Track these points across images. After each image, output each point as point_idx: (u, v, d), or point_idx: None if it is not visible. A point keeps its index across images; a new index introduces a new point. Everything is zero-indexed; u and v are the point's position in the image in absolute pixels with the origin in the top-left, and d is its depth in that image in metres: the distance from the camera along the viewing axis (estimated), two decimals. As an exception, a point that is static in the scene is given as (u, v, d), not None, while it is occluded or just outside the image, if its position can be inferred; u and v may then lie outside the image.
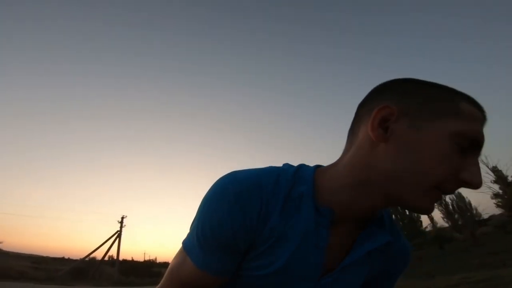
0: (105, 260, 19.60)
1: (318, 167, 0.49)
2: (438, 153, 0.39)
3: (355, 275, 0.50)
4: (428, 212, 0.42)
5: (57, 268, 17.09)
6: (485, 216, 31.26)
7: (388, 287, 0.58)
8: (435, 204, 0.43)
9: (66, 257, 32.97)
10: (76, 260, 21.09)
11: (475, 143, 0.40)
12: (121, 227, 19.42)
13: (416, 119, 0.40)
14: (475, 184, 0.39)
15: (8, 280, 9.56)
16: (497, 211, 26.59)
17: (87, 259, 18.11)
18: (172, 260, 0.50)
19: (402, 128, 0.41)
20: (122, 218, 19.72)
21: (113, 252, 20.04)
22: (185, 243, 0.47)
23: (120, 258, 20.49)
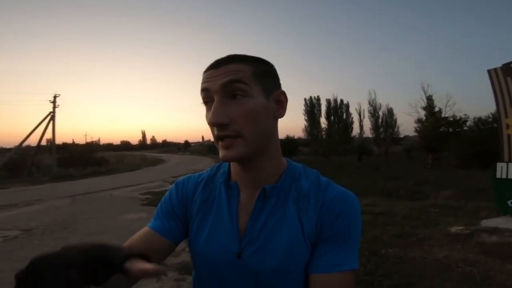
0: (42, 146, 18.99)
1: None
2: (206, 119, 0.53)
3: (278, 233, 0.53)
4: (224, 158, 0.52)
5: None
6: (401, 136, 34.08)
7: (338, 253, 0.51)
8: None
9: (0, 146, 31.34)
10: (10, 149, 20.09)
11: (203, 92, 0.52)
12: (54, 107, 18.15)
13: None
14: (209, 123, 0.50)
15: None
16: (413, 134, 28.19)
17: (22, 146, 17.33)
18: None
19: None
20: (55, 97, 18.26)
21: (50, 136, 19.21)
22: None
23: (60, 141, 19.92)
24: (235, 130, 0.50)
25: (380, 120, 33.61)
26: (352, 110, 37.48)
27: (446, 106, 25.60)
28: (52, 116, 18.03)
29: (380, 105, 34.22)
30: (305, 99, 37.19)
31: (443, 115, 25.35)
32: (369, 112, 34.49)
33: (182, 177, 0.66)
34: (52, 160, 17.60)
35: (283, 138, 33.11)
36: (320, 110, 36.71)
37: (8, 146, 29.26)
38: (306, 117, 36.64)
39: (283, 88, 0.58)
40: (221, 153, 0.52)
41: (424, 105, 26.82)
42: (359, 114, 36.05)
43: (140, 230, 0.61)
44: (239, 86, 0.50)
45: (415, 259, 3.09)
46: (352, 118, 36.44)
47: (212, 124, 0.50)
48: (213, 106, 0.50)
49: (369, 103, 34.40)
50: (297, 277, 0.53)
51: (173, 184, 0.65)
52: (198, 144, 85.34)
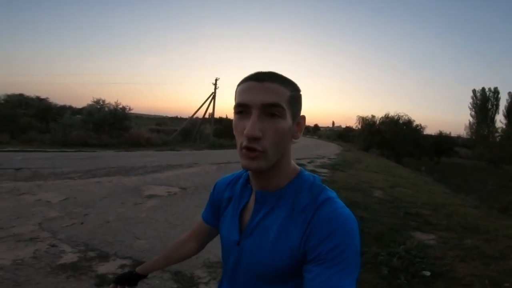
0: (205, 118, 23.51)
1: None
2: (234, 126, 0.58)
3: (267, 234, 0.60)
4: (246, 167, 0.56)
5: (172, 129, 22.27)
6: None
7: (327, 277, 0.50)
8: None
9: (179, 116, 42.16)
10: (185, 118, 26.59)
11: (241, 106, 0.55)
12: (215, 88, 22.02)
13: None
14: (246, 135, 0.53)
15: (139, 148, 13.54)
16: None
17: (193, 117, 22.43)
18: None
19: None
20: (216, 80, 22.11)
21: (211, 111, 23.63)
22: None
23: (218, 116, 24.49)
24: (262, 146, 0.54)
25: None
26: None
27: None
28: (213, 96, 22.23)
29: None
30: (474, 91, 30.35)
31: None
32: None
33: (220, 178, 0.79)
34: (210, 131, 21.95)
35: (434, 134, 28.00)
36: (496, 105, 28.85)
37: (183, 116, 38.32)
38: (472, 112, 29.91)
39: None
40: (244, 161, 0.56)
41: None
42: None
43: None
44: (278, 109, 0.54)
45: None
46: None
47: (248, 136, 0.53)
48: (251, 119, 0.54)
49: None
50: (286, 275, 0.59)
51: (214, 185, 0.80)
52: (327, 129, 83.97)
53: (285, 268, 0.57)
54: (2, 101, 14.82)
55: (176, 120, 34.32)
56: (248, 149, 0.54)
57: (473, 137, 29.33)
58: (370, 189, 6.90)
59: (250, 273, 0.63)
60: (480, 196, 9.75)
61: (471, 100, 30.21)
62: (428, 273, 2.62)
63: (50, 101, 16.75)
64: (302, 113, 0.62)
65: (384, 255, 2.88)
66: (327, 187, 0.62)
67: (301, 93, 0.61)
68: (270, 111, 0.54)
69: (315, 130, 75.66)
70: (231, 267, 0.68)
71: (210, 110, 23.26)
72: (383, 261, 2.76)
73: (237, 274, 0.67)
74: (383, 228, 3.80)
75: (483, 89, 29.61)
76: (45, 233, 3.03)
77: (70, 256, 2.58)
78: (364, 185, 7.30)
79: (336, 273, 0.50)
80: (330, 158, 14.52)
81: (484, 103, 29.37)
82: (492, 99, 29.27)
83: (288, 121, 0.56)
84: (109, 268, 2.45)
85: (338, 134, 47.50)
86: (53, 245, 2.76)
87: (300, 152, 16.26)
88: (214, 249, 3.07)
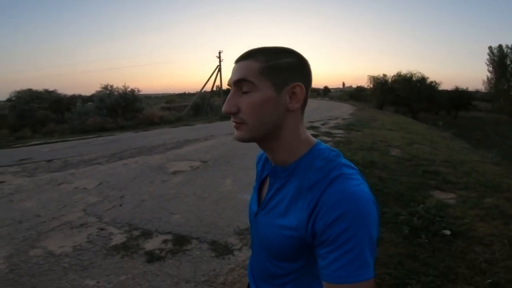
0: (214, 91, 23.46)
1: None
2: None
3: (276, 212, 0.60)
4: (234, 137, 0.60)
5: (182, 105, 22.48)
6: None
7: (341, 263, 0.47)
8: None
9: (187, 92, 42.05)
10: (193, 94, 26.72)
11: (229, 86, 0.60)
12: (220, 61, 22.02)
13: None
14: (222, 110, 0.58)
15: (155, 126, 13.71)
16: None
17: (202, 91, 22.45)
18: None
19: None
20: (219, 53, 21.98)
21: (218, 83, 23.67)
22: None
23: (225, 87, 24.12)
24: (240, 119, 0.57)
25: None
26: None
27: None
28: (219, 69, 22.11)
29: None
30: (490, 47, 30.09)
31: None
32: None
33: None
34: (220, 102, 22.07)
35: (450, 90, 27.40)
36: (516, 61, 28.35)
37: (191, 91, 38.22)
38: (490, 68, 30.00)
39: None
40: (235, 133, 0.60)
41: None
42: None
43: None
44: (245, 83, 0.56)
45: None
46: None
47: (223, 112, 0.58)
48: (227, 97, 0.58)
49: None
50: (294, 254, 0.57)
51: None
52: (338, 90, 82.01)
53: (291, 246, 0.56)
54: (14, 98, 15.14)
55: (184, 96, 34.45)
56: (233, 121, 0.59)
57: (492, 91, 28.89)
58: (387, 148, 6.89)
59: (262, 247, 0.65)
60: (501, 151, 9.60)
61: (487, 57, 30.16)
62: (448, 232, 2.70)
63: (59, 92, 17.08)
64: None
65: (404, 215, 3.00)
66: (343, 161, 0.58)
67: (288, 60, 0.57)
68: (241, 87, 0.57)
69: (326, 92, 73.64)
70: (252, 238, 0.72)
71: (217, 82, 23.18)
72: (404, 221, 2.88)
73: (255, 245, 0.70)
74: (402, 188, 3.89)
75: (500, 46, 29.36)
76: (91, 218, 3.31)
77: (118, 237, 2.85)
78: (381, 144, 7.28)
79: (350, 262, 0.47)
80: (344, 119, 14.29)
81: (502, 59, 29.07)
82: (510, 55, 28.99)
83: (265, 92, 0.55)
84: (154, 244, 2.70)
85: (349, 94, 46.45)
86: (101, 229, 3.04)
87: (312, 114, 16.02)
88: (242, 217, 3.28)
